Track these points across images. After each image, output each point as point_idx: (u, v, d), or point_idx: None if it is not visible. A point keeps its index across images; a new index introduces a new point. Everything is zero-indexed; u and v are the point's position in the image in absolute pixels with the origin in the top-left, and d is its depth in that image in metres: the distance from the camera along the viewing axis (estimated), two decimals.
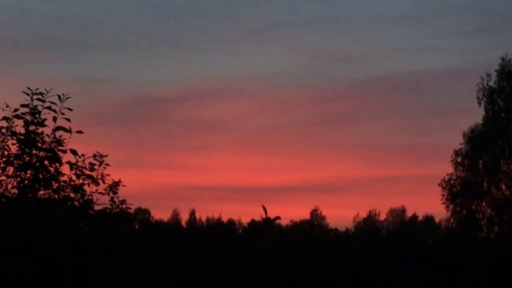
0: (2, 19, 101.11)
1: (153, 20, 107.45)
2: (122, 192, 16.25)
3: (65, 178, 15.38)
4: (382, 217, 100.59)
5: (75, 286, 15.70)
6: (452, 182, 45.74)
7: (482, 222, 43.84)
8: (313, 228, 73.85)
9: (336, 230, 77.54)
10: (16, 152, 15.20)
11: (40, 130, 15.31)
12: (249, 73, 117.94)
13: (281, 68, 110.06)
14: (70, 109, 15.26)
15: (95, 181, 15.48)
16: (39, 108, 15.26)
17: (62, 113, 15.35)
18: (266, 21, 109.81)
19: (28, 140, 15.21)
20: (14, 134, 15.16)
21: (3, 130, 15.12)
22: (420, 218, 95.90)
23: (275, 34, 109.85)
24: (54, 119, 15.25)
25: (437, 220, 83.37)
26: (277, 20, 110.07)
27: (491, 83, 46.58)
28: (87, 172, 15.52)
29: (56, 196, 15.49)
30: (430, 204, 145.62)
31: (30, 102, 15.22)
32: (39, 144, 15.27)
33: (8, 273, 14.58)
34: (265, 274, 32.07)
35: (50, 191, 15.44)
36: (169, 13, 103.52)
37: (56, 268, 15.15)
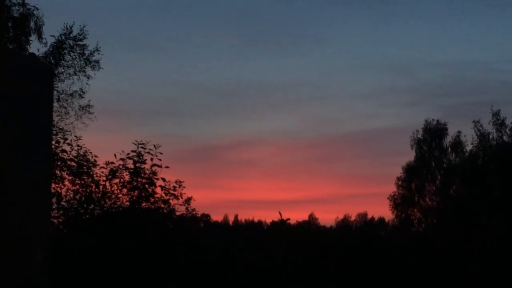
0: (118, 100, 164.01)
1: (211, 99, 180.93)
2: (192, 204, 21.95)
3: (158, 195, 21.01)
4: (353, 218, 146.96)
5: (164, 259, 21.57)
6: (395, 196, 63.06)
7: (414, 221, 62.30)
8: (310, 225, 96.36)
9: (324, 226, 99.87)
10: (128, 179, 21.07)
11: (142, 166, 20.92)
12: (270, 131, 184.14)
13: (289, 127, 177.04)
14: (161, 153, 20.96)
15: (176, 197, 21.16)
16: (142, 152, 20.95)
17: (156, 155, 20.82)
18: (280, 98, 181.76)
19: (136, 172, 20.96)
20: (127, 168, 21.14)
21: (120, 166, 21.17)
22: (376, 219, 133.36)
23: (286, 107, 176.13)
24: (151, 159, 20.92)
25: (386, 219, 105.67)
26: (287, 98, 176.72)
27: (419, 136, 63.91)
28: (172, 192, 20.98)
29: (153, 206, 21.10)
30: (382, 210, 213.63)
31: (137, 149, 21.02)
32: (142, 174, 20.88)
33: (129, 247, 20.70)
34: (283, 253, 41.16)
35: (149, 203, 21.01)
36: (221, 95, 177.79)
37: (153, 248, 21.03)
